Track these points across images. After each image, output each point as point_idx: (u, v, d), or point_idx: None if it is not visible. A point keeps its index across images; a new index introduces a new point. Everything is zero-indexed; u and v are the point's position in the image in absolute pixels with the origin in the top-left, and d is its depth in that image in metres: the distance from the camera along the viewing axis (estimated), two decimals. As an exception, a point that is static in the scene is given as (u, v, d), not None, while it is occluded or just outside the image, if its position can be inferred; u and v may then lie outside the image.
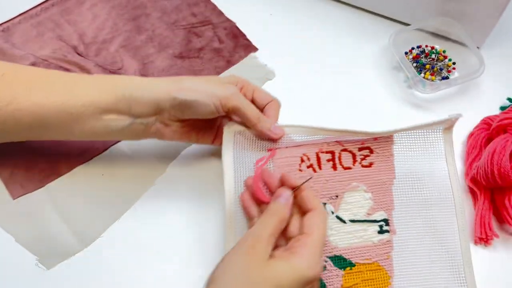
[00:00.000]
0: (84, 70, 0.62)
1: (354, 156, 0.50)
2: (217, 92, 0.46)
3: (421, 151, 0.50)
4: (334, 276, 0.46)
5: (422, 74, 0.63)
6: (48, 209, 0.52)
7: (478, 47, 0.66)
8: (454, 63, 0.65)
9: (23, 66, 0.50)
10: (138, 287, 0.49)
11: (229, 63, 0.65)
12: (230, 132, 0.49)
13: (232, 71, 0.64)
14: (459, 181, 0.50)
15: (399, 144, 0.50)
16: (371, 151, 0.50)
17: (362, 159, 0.50)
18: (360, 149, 0.50)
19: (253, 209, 0.44)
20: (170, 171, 0.56)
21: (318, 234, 0.39)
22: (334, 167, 0.49)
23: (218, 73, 0.64)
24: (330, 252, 0.47)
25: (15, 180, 0.54)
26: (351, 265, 0.47)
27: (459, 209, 0.49)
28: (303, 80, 0.65)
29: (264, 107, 0.50)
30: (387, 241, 0.48)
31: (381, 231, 0.48)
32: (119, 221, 0.53)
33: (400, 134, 0.50)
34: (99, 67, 0.63)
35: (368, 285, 0.46)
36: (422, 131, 0.50)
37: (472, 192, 0.55)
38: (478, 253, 0.52)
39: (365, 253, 0.47)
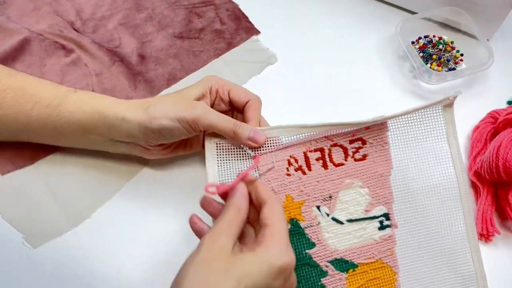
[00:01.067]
0: (80, 46, 0.60)
1: (345, 150, 0.47)
2: (185, 116, 0.44)
3: (420, 135, 0.46)
4: (337, 281, 0.44)
5: (429, 65, 0.61)
6: (37, 186, 0.51)
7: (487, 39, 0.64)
8: (461, 55, 0.63)
9: (17, 72, 0.50)
10: (124, 271, 0.48)
11: (230, 45, 0.63)
12: (211, 144, 0.46)
13: (233, 53, 0.63)
14: (463, 164, 0.46)
15: (394, 131, 0.47)
16: (364, 142, 0.46)
17: (354, 153, 0.46)
18: (351, 142, 0.46)
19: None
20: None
21: (279, 224, 0.37)
22: (325, 165, 0.46)
23: (218, 55, 0.62)
24: (330, 256, 0.45)
25: (5, 155, 0.52)
26: (354, 266, 0.45)
27: (463, 193, 0.46)
28: (305, 67, 0.63)
29: (243, 107, 0.48)
30: (389, 236, 0.45)
31: (381, 227, 0.45)
32: (111, 201, 0.51)
33: (394, 119, 0.46)
34: (96, 44, 0.61)
35: (374, 285, 0.44)
36: (419, 112, 0.46)
37: (474, 187, 0.54)
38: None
39: (367, 252, 0.45)
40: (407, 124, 0.47)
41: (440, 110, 0.46)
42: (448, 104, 0.46)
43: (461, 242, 0.46)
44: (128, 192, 0.52)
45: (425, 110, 0.46)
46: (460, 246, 0.46)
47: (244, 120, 0.47)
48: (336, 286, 0.44)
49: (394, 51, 0.65)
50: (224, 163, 0.46)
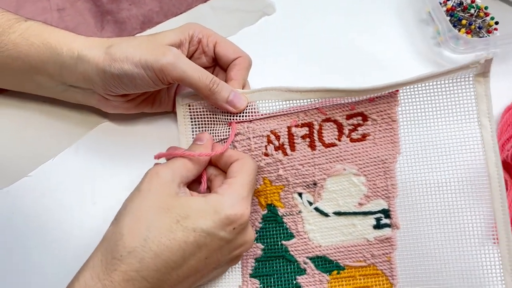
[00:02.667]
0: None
1: (340, 127, 0.38)
2: (152, 62, 0.36)
3: (440, 112, 0.36)
4: (317, 282, 0.37)
5: (457, 31, 0.51)
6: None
7: (529, 7, 0.54)
8: (496, 23, 0.53)
9: None
10: (61, 236, 0.40)
11: (222, -11, 0.53)
12: (183, 106, 0.40)
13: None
14: (498, 154, 0.35)
15: (406, 105, 0.37)
16: (365, 118, 0.37)
17: (351, 131, 0.38)
18: (349, 117, 0.37)
19: None
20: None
21: (243, 177, 0.35)
22: (312, 145, 0.38)
23: (207, -1, 0.52)
24: (310, 252, 0.37)
25: None
26: (339, 268, 0.37)
27: (496, 192, 0.35)
28: (308, 22, 0.53)
29: (229, 65, 0.41)
30: (387, 238, 0.37)
31: (378, 226, 0.37)
32: (54, 160, 0.42)
33: (406, 90, 0.36)
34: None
35: None
36: (441, 82, 0.35)
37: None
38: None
39: (356, 253, 0.37)
40: (424, 97, 0.36)
41: (470, 80, 0.35)
42: (481, 73, 0.35)
43: (489, 263, 0.35)
44: (79, 148, 0.43)
45: (449, 79, 0.35)
46: (487, 267, 0.35)
47: (226, 80, 0.41)
48: None
49: (415, 13, 0.55)
50: (198, 129, 0.41)
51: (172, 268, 0.31)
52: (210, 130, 0.41)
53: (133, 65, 0.36)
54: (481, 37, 0.52)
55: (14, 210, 0.40)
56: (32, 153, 0.42)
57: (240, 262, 0.39)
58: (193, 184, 0.37)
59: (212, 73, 0.42)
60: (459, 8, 0.53)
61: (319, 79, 0.49)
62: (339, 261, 0.37)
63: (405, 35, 0.53)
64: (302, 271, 0.37)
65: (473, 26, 0.52)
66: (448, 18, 0.52)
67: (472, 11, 0.53)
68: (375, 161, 0.37)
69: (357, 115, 0.37)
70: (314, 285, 0.37)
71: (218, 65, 0.43)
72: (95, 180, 0.42)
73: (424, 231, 0.37)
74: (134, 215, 0.32)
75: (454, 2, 0.54)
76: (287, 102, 0.38)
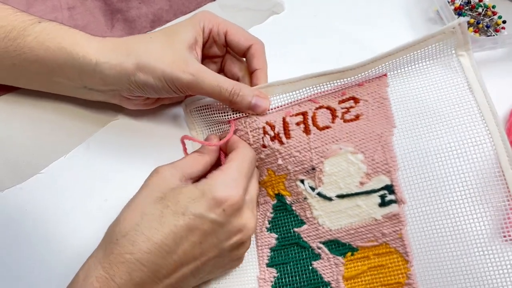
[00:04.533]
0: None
1: (333, 111, 0.38)
2: (173, 80, 0.37)
3: (431, 87, 0.37)
4: (333, 266, 0.36)
5: (464, 29, 0.51)
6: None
7: (536, 6, 0.54)
8: (504, 22, 0.53)
9: None
10: (73, 232, 0.40)
11: (231, -12, 0.53)
12: (191, 113, 0.43)
13: (233, -2, 0.53)
14: (496, 115, 0.35)
15: (396, 85, 0.38)
16: (357, 101, 0.38)
17: (344, 113, 0.38)
18: (341, 102, 0.38)
19: None
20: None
21: (235, 163, 0.36)
22: (307, 130, 0.38)
23: (217, -3, 0.53)
24: (322, 237, 0.37)
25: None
26: (353, 249, 0.36)
27: (501, 149, 0.34)
28: (317, 22, 0.53)
29: (244, 52, 0.41)
30: (394, 214, 0.36)
31: (383, 203, 0.36)
32: (66, 157, 0.42)
33: (395, 73, 0.37)
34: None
35: (378, 274, 0.36)
36: (426, 62, 0.37)
37: (508, 177, 0.44)
38: (507, 250, 0.41)
39: (367, 233, 0.36)
40: (412, 77, 0.37)
41: (453, 53, 0.37)
42: (462, 45, 0.36)
43: (496, 221, 0.34)
44: (90, 146, 0.43)
45: (433, 58, 0.36)
46: (495, 224, 0.34)
47: (250, 69, 0.42)
48: (331, 272, 0.36)
49: (423, 12, 0.55)
50: (203, 130, 0.43)
51: (166, 252, 0.32)
52: (214, 129, 0.42)
53: (156, 78, 0.37)
54: (488, 35, 0.52)
55: (27, 206, 0.40)
56: (44, 151, 0.42)
57: (256, 252, 0.39)
58: None
59: (222, 62, 0.44)
60: (467, 7, 0.54)
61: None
62: (351, 243, 0.36)
63: (413, 34, 0.53)
64: (317, 256, 0.37)
65: (480, 25, 0.52)
66: (456, 17, 0.52)
67: (480, 10, 0.53)
68: (370, 137, 0.37)
69: (349, 99, 0.38)
70: (330, 268, 0.37)
71: (229, 52, 0.43)
72: (107, 177, 0.42)
73: (431, 202, 0.35)
74: (131, 206, 0.34)
75: (462, 1, 0.54)
76: (283, 95, 0.39)
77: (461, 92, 0.36)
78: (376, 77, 0.38)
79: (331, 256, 0.37)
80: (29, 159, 0.42)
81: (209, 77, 0.37)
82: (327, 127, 0.38)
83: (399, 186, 0.36)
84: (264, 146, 0.39)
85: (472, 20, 0.52)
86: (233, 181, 0.34)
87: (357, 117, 0.38)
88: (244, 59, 0.43)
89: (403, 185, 0.36)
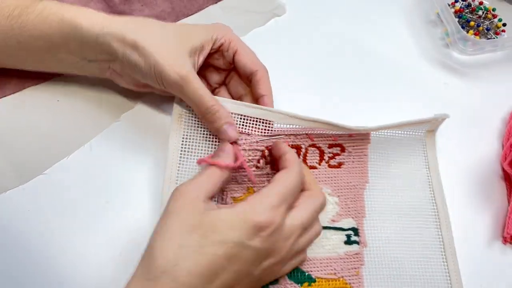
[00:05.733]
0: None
1: (322, 153, 0.42)
2: (162, 72, 0.37)
3: (401, 155, 0.44)
4: None
5: (465, 32, 0.52)
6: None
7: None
8: (504, 25, 0.54)
9: None
10: (77, 234, 0.40)
11: (233, -11, 0.54)
12: (179, 112, 0.40)
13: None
14: (442, 190, 0.43)
15: (376, 144, 0.43)
16: (343, 149, 0.42)
17: (330, 158, 0.42)
18: (330, 146, 0.42)
19: None
20: (140, 108, 0.45)
21: (277, 187, 0.34)
22: None
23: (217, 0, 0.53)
24: None
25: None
26: (311, 280, 0.38)
27: (443, 221, 0.41)
28: (318, 24, 0.54)
29: (248, 76, 0.42)
30: (356, 254, 0.39)
31: (348, 242, 0.40)
32: (69, 158, 0.43)
33: (378, 133, 0.43)
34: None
35: None
36: (402, 132, 0.44)
37: (508, 179, 0.45)
38: (506, 254, 0.42)
39: (328, 266, 0.38)
40: (389, 141, 0.44)
41: (422, 133, 0.44)
42: (430, 130, 0.44)
43: (439, 273, 0.40)
44: (93, 148, 0.43)
45: (408, 132, 0.44)
46: (437, 277, 0.40)
47: (255, 94, 0.42)
48: None
49: (424, 14, 0.55)
50: (190, 136, 0.41)
51: (206, 282, 0.31)
52: (208, 136, 0.41)
53: (147, 64, 0.37)
54: (489, 38, 0.53)
55: (29, 207, 0.40)
56: (47, 152, 0.43)
57: None
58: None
59: (227, 77, 0.44)
60: (467, 10, 0.54)
61: (328, 80, 0.50)
62: (311, 273, 0.38)
63: (414, 36, 0.54)
64: (275, 281, 0.37)
65: (481, 28, 0.53)
66: (456, 19, 0.53)
67: (480, 13, 0.54)
68: (347, 186, 0.42)
69: (337, 145, 0.42)
70: None
71: (234, 70, 0.44)
72: (108, 178, 0.42)
73: (389, 249, 0.40)
74: (165, 236, 0.31)
75: (462, 4, 0.55)
76: (283, 124, 0.41)
77: (421, 167, 0.44)
78: (362, 133, 0.42)
79: (288, 282, 0.37)
80: (32, 161, 0.42)
81: (195, 85, 0.37)
82: (314, 167, 0.42)
83: (363, 231, 0.40)
84: (257, 167, 0.39)
85: (472, 23, 0.53)
86: (272, 207, 0.33)
87: (339, 165, 0.42)
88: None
89: (366, 231, 0.41)
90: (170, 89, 0.38)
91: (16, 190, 0.41)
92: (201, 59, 0.40)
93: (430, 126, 0.43)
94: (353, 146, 0.42)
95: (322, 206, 0.36)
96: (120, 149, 0.44)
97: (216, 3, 0.53)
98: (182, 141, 0.40)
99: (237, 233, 0.31)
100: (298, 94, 0.47)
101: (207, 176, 0.35)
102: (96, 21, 0.38)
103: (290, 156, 0.37)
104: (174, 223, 0.32)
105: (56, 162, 0.42)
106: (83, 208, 0.41)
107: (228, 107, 0.39)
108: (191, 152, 0.40)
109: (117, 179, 0.42)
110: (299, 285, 0.37)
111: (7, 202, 0.40)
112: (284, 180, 0.34)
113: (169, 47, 0.38)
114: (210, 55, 0.42)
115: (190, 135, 0.40)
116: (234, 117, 0.40)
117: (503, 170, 0.45)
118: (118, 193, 0.42)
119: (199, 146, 0.40)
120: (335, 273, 0.38)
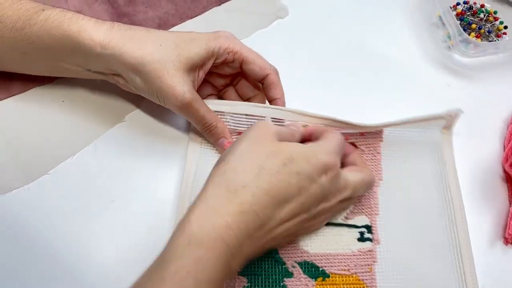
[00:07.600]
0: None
1: None
2: (168, 100, 0.39)
3: (415, 152, 0.43)
4: (303, 286, 0.38)
5: (467, 34, 0.52)
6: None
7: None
8: (505, 27, 0.54)
9: None
10: (81, 234, 0.40)
11: (236, -9, 0.54)
12: (195, 144, 0.43)
13: (238, 1, 0.54)
14: (459, 188, 0.42)
15: (389, 142, 0.43)
16: (355, 147, 0.43)
17: None
18: None
19: None
20: (144, 108, 0.46)
21: (336, 137, 0.37)
22: None
23: (221, 2, 0.54)
24: (299, 257, 0.39)
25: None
26: (325, 275, 0.38)
27: (459, 221, 0.41)
28: (321, 26, 0.54)
29: (260, 81, 0.43)
30: (369, 251, 0.40)
31: (361, 239, 0.40)
32: (73, 158, 0.43)
33: (390, 130, 0.43)
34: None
35: None
36: (416, 130, 0.43)
37: (509, 181, 0.45)
38: (507, 254, 0.42)
39: (341, 262, 0.39)
40: (403, 138, 0.44)
41: (438, 131, 0.44)
42: (446, 127, 0.44)
43: (453, 271, 0.39)
44: (97, 148, 0.44)
45: (421, 129, 0.44)
46: (451, 275, 0.39)
47: (267, 97, 0.43)
48: None
49: (426, 16, 0.56)
50: (203, 164, 0.43)
51: (278, 207, 0.33)
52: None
53: (147, 92, 0.40)
54: (490, 41, 0.53)
55: (35, 206, 0.41)
56: (51, 152, 0.43)
57: None
58: None
59: (234, 80, 0.45)
60: (469, 13, 0.54)
61: (331, 81, 0.50)
62: (325, 268, 0.38)
63: (416, 39, 0.54)
64: (290, 274, 0.38)
65: (482, 30, 0.53)
66: (458, 22, 0.53)
67: (482, 15, 0.54)
68: None
69: (350, 144, 0.43)
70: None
71: (241, 74, 0.44)
72: (113, 178, 0.43)
73: (401, 247, 0.40)
74: (247, 156, 0.34)
75: (464, 6, 0.55)
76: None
77: (437, 164, 0.43)
78: (375, 131, 0.43)
79: (303, 276, 0.38)
80: (36, 160, 0.42)
81: (195, 108, 0.40)
82: None
83: (376, 228, 0.41)
84: None
85: (474, 26, 0.53)
86: (334, 150, 0.36)
87: None
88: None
89: (379, 229, 0.41)
90: (173, 110, 0.40)
91: (21, 190, 0.41)
92: (202, 74, 0.41)
93: (445, 123, 0.43)
94: (366, 144, 0.43)
95: (371, 182, 0.39)
96: (124, 150, 0.44)
97: (219, 5, 0.53)
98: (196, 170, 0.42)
99: (310, 168, 0.33)
100: (300, 95, 0.47)
101: (285, 128, 0.38)
102: (96, 39, 0.38)
103: (330, 129, 0.40)
104: (256, 147, 0.34)
105: (61, 162, 0.43)
106: (87, 208, 0.41)
107: (238, 109, 0.42)
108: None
109: (122, 179, 0.43)
110: (314, 279, 0.38)
111: (12, 202, 0.41)
112: (332, 136, 0.37)
113: (169, 69, 0.38)
114: (213, 66, 0.42)
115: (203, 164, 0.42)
116: (243, 118, 0.42)
117: (505, 171, 0.45)
118: (123, 192, 0.42)
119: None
120: (348, 269, 0.39)
